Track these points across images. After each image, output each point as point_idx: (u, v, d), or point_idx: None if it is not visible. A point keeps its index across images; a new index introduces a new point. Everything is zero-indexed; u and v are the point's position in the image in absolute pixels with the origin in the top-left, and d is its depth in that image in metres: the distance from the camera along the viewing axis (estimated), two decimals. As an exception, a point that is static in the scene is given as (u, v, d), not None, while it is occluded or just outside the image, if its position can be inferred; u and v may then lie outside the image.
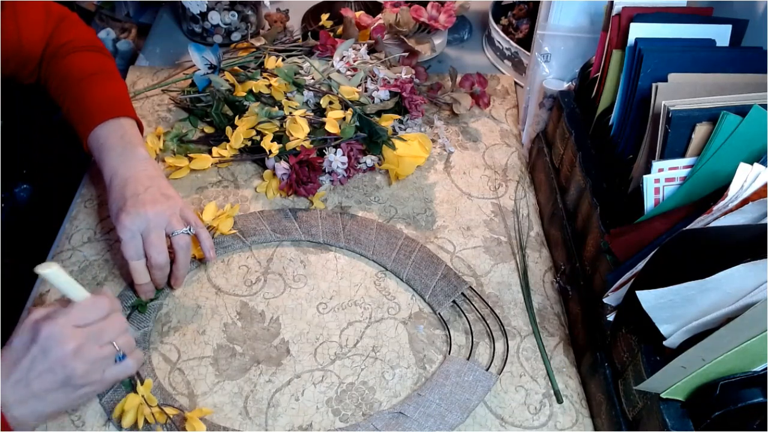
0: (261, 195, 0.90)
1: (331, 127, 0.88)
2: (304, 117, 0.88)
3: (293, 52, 1.04)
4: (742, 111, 0.59)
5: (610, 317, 0.65)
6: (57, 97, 0.83)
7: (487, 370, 0.72)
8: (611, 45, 0.76)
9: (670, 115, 0.62)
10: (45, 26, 0.83)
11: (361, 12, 1.09)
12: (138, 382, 0.67)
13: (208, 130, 0.97)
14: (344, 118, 0.90)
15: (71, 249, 0.81)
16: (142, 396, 0.65)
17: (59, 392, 0.57)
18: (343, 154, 0.88)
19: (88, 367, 0.58)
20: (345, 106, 0.91)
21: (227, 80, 0.95)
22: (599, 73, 0.80)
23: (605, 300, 0.64)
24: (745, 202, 0.54)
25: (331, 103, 0.93)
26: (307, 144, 0.88)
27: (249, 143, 0.92)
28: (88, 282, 0.78)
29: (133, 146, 0.77)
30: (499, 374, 0.72)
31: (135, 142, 0.78)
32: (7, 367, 0.56)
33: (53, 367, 0.56)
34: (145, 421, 0.65)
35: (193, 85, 0.99)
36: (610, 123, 0.76)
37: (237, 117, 0.93)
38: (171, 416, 0.65)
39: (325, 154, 0.89)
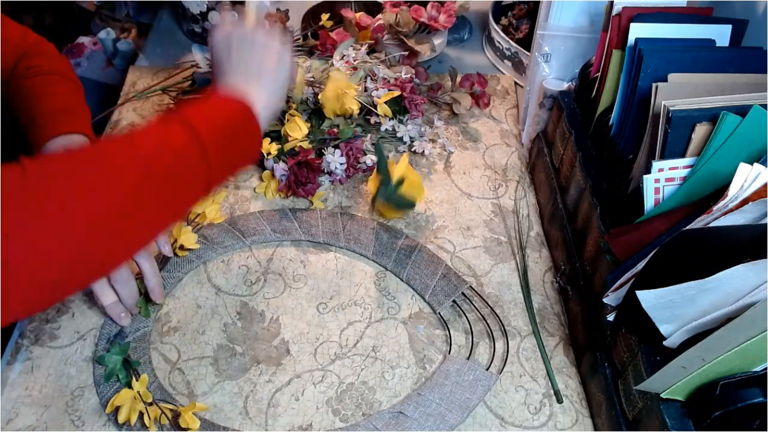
0: (261, 195, 0.90)
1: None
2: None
3: (293, 52, 1.04)
4: (742, 111, 0.59)
5: (610, 317, 0.65)
6: (18, 116, 0.80)
7: (487, 369, 0.72)
8: (611, 45, 0.76)
9: (670, 115, 0.62)
10: (17, 48, 0.82)
11: (361, 12, 1.09)
12: (133, 378, 0.68)
13: (208, 130, 0.97)
14: (350, 116, 0.90)
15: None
16: (137, 392, 0.66)
17: (279, 66, 0.65)
18: (342, 155, 0.89)
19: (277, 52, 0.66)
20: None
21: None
22: (599, 73, 0.80)
23: (605, 300, 0.64)
24: (745, 202, 0.54)
25: None
26: (305, 144, 0.88)
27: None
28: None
29: None
30: (499, 374, 0.72)
31: None
32: (225, 73, 0.64)
33: (263, 44, 0.65)
34: (140, 417, 0.65)
35: (192, 85, 0.99)
36: (610, 123, 0.76)
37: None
38: (165, 411, 0.65)
39: (324, 155, 0.89)
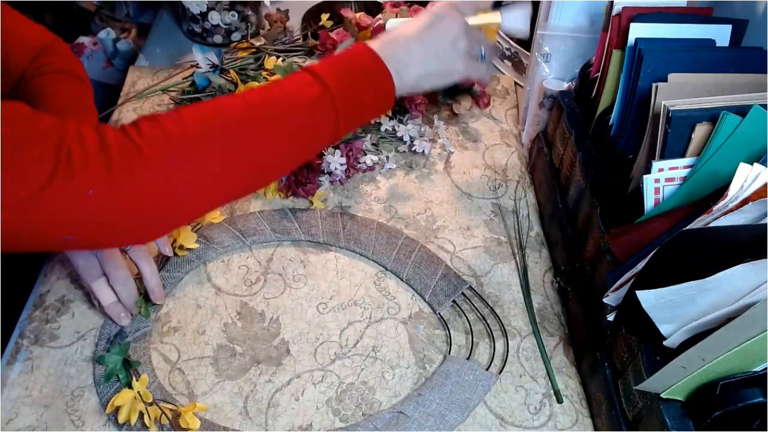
0: (260, 195, 0.90)
1: None
2: None
3: (293, 52, 1.04)
4: (742, 111, 0.59)
5: (610, 317, 0.65)
6: None
7: (487, 369, 0.72)
8: (611, 45, 0.76)
9: (670, 115, 0.62)
10: (34, 47, 0.82)
11: (361, 12, 1.09)
12: (133, 378, 0.68)
13: (208, 130, 0.97)
14: None
15: (71, 249, 0.81)
16: (138, 392, 0.66)
17: (443, 58, 0.65)
18: (342, 155, 0.89)
19: (468, 44, 0.67)
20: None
21: (231, 79, 0.95)
22: (599, 73, 0.80)
23: (605, 300, 0.64)
24: (745, 202, 0.54)
25: None
26: (307, 144, 0.88)
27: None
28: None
29: None
30: (499, 374, 0.72)
31: None
32: (409, 33, 0.64)
33: (446, 33, 0.65)
34: (140, 417, 0.65)
35: (192, 85, 1.00)
36: (610, 123, 0.76)
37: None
38: (165, 411, 0.65)
39: (324, 155, 0.89)
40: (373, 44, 0.62)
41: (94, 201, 0.49)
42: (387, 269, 0.82)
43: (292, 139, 0.58)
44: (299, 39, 1.08)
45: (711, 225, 0.55)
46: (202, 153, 0.54)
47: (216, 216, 0.84)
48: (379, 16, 1.07)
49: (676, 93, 0.65)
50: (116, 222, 0.52)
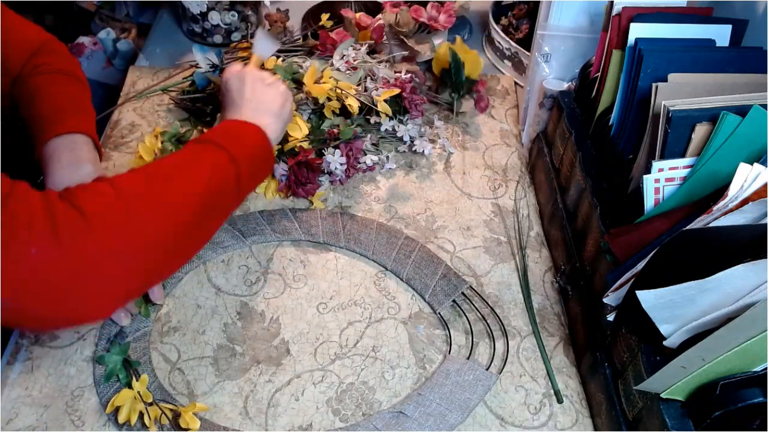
0: (260, 195, 0.90)
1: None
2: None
3: (293, 52, 1.04)
4: (742, 111, 0.59)
5: (610, 317, 0.65)
6: (22, 113, 0.80)
7: (487, 369, 0.72)
8: (611, 45, 0.76)
9: (670, 115, 0.62)
10: (30, 46, 0.82)
11: (361, 12, 1.09)
12: (133, 378, 0.68)
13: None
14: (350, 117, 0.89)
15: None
16: (138, 392, 0.66)
17: (285, 104, 0.76)
18: (342, 155, 0.88)
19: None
20: (342, 105, 0.91)
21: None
22: (599, 73, 0.80)
23: (605, 300, 0.64)
24: (745, 202, 0.54)
25: (329, 99, 0.92)
26: (305, 144, 0.88)
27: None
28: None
29: (80, 161, 0.74)
30: (499, 374, 0.72)
31: (84, 157, 0.75)
32: (240, 106, 0.74)
33: (272, 84, 0.77)
34: (140, 417, 0.65)
35: (192, 85, 0.99)
36: (610, 123, 0.76)
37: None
38: (165, 411, 0.65)
39: (324, 155, 0.89)
40: (259, 123, 0.70)
41: (36, 265, 0.50)
42: (387, 269, 0.82)
43: (209, 213, 0.63)
44: (299, 39, 1.08)
45: (711, 225, 0.55)
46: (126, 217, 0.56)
47: None
48: (379, 16, 1.07)
49: (676, 93, 0.65)
50: (57, 290, 0.52)
